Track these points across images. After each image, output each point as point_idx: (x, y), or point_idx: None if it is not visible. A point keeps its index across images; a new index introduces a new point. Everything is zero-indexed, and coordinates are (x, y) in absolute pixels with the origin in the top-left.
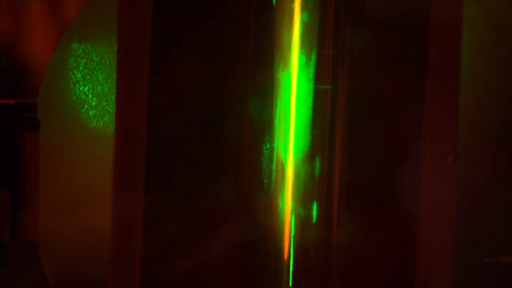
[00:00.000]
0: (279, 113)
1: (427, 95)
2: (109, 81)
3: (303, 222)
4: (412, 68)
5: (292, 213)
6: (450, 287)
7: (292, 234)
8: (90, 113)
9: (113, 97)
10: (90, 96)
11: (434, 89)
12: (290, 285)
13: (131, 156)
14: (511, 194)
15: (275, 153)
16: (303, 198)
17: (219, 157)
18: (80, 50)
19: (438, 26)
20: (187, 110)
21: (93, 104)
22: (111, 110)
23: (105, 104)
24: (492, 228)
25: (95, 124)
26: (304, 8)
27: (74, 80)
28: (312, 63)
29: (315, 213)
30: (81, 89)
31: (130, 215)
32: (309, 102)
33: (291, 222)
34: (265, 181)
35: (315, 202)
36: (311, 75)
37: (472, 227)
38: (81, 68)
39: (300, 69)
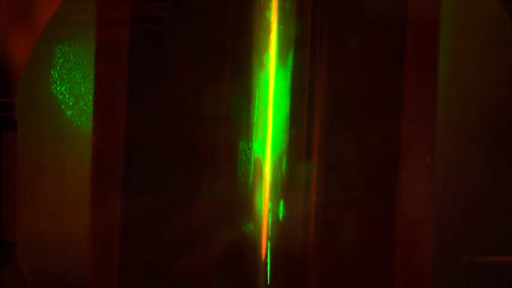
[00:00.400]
0: (257, 112)
1: (405, 94)
2: (86, 81)
3: (279, 221)
4: (389, 67)
5: (269, 212)
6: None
7: (270, 233)
8: (67, 113)
9: (90, 97)
10: (67, 96)
11: (412, 88)
12: (268, 283)
13: (109, 156)
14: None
15: (253, 153)
16: (281, 198)
17: (197, 157)
18: (57, 50)
19: (416, 25)
20: (165, 111)
21: (71, 103)
22: (88, 110)
23: (82, 103)
24: (479, 229)
25: (72, 124)
26: (281, 8)
27: (51, 79)
28: (290, 63)
29: (292, 212)
30: (58, 88)
31: (109, 213)
32: (286, 102)
33: (268, 221)
34: (243, 180)
35: (293, 201)
36: (288, 75)
37: (464, 227)
38: (58, 68)
39: (278, 69)
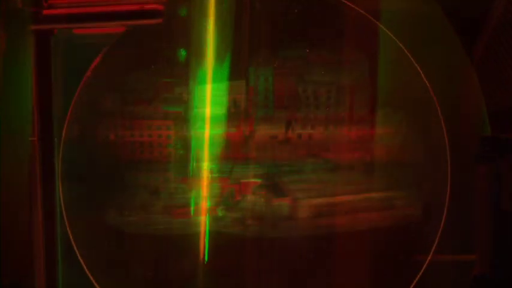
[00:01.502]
0: (195, 111)
1: (349, 95)
2: (23, 78)
3: (218, 222)
4: (329, 66)
5: (208, 212)
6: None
7: (207, 232)
8: (6, 112)
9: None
10: (7, 93)
11: (352, 87)
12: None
13: (50, 155)
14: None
15: (192, 152)
16: (219, 197)
17: (138, 154)
18: None
19: (354, 24)
20: (103, 107)
21: (11, 102)
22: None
23: (24, 104)
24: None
25: (13, 123)
26: (219, 5)
27: None
28: (227, 58)
29: (230, 212)
30: None
31: (48, 207)
32: (225, 99)
33: (206, 221)
34: (180, 179)
35: (231, 200)
36: (226, 71)
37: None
38: None
39: (216, 65)
